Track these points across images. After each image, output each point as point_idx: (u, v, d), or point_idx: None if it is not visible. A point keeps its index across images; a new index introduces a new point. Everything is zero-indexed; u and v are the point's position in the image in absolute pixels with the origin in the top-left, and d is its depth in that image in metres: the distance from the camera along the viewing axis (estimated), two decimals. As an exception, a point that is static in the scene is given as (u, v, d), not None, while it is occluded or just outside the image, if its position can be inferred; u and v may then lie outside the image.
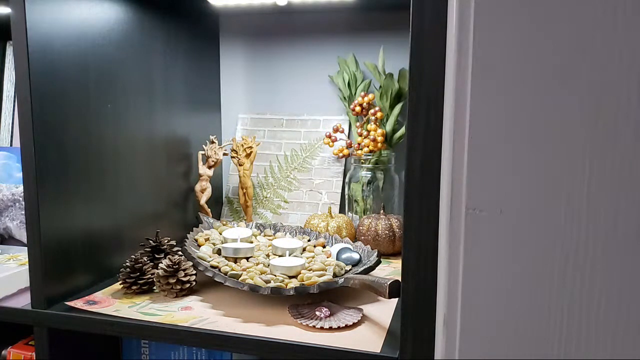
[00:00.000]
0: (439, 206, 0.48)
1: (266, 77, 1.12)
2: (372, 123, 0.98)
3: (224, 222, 0.95)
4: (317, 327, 0.62)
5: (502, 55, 0.42)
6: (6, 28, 0.68)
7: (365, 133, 0.98)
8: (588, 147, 0.41)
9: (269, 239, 0.87)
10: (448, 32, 0.45)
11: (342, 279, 0.69)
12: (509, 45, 0.42)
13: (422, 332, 0.52)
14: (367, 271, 0.74)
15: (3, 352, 0.79)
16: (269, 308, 0.68)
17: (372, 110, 0.98)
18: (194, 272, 0.74)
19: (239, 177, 1.03)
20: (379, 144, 0.96)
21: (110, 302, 0.69)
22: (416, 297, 0.51)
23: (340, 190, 1.05)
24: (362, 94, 0.99)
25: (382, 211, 0.94)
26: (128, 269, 0.73)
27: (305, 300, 0.70)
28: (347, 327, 0.62)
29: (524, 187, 0.43)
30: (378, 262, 0.76)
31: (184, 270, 0.72)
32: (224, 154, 1.01)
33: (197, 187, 0.99)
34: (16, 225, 0.91)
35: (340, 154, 1.02)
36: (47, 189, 0.66)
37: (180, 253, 0.77)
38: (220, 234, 0.87)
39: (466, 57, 0.43)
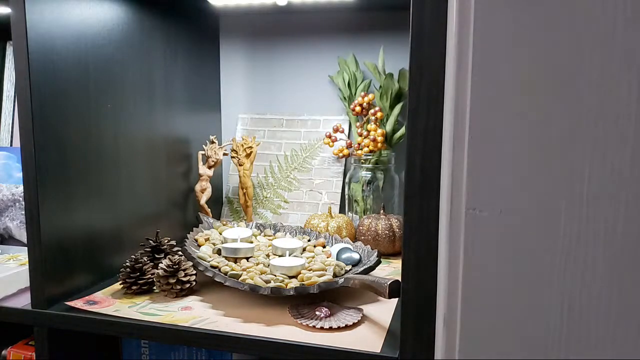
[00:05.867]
0: (439, 206, 0.48)
1: (266, 77, 1.12)
2: (372, 123, 0.98)
3: (224, 222, 0.95)
4: (317, 327, 0.62)
5: (502, 55, 0.42)
6: (6, 28, 0.68)
7: (365, 133, 0.98)
8: (588, 147, 0.41)
9: (269, 239, 0.87)
10: (448, 32, 0.45)
11: (342, 279, 0.69)
12: (509, 45, 0.42)
13: (422, 332, 0.52)
14: (367, 271, 0.74)
15: (3, 352, 0.79)
16: (269, 308, 0.68)
17: (372, 110, 0.98)
18: (194, 272, 0.74)
19: (239, 177, 1.03)
20: (379, 144, 0.96)
21: (110, 302, 0.69)
22: (416, 297, 0.51)
23: (340, 190, 1.05)
24: (362, 94, 0.99)
25: (382, 211, 0.94)
26: (128, 269, 0.73)
27: (305, 300, 0.70)
28: (347, 327, 0.62)
29: (524, 187, 0.43)
30: (378, 262, 0.76)
31: (184, 270, 0.72)
32: (224, 154, 1.01)
33: (197, 187, 0.99)
34: (16, 225, 0.91)
35: (340, 154, 1.02)
36: (47, 189, 0.66)
37: (180, 253, 0.77)
38: (220, 234, 0.87)
39: (466, 57, 0.43)
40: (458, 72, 0.43)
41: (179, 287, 0.71)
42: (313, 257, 0.79)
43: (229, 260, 0.77)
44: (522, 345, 0.44)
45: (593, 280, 0.42)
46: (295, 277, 0.72)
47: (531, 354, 0.44)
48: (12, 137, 1.03)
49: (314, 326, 0.62)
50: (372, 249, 0.81)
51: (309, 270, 0.73)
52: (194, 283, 0.73)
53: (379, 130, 0.97)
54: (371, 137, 0.96)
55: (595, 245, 0.42)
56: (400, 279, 0.53)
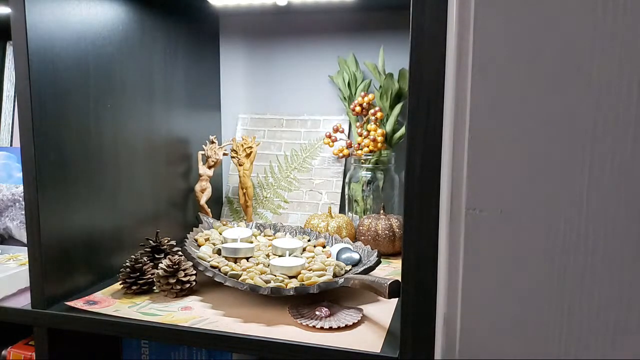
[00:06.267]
0: (439, 206, 0.48)
1: (266, 77, 1.12)
2: (372, 123, 0.98)
3: (224, 222, 0.95)
4: (317, 327, 0.62)
5: (502, 55, 0.42)
6: (6, 28, 0.68)
7: (365, 133, 0.98)
8: (588, 147, 0.41)
9: (269, 239, 0.87)
10: (448, 32, 0.45)
11: (342, 279, 0.69)
12: (509, 45, 0.42)
13: (422, 332, 0.52)
14: (367, 271, 0.74)
15: (3, 352, 0.79)
16: (269, 308, 0.68)
17: (372, 110, 0.98)
18: (194, 272, 0.74)
19: (239, 177, 1.03)
20: (379, 144, 0.96)
21: (110, 302, 0.69)
22: (416, 297, 0.51)
23: (340, 190, 1.05)
24: (362, 94, 0.99)
25: (382, 211, 0.94)
26: (128, 269, 0.73)
27: (305, 300, 0.70)
28: (347, 327, 0.62)
29: (524, 187, 0.43)
30: (378, 262, 0.76)
31: (184, 270, 0.72)
32: (224, 154, 1.01)
33: (197, 187, 0.99)
34: (16, 225, 0.91)
35: (340, 154, 1.02)
36: (47, 189, 0.66)
37: (180, 253, 0.77)
38: (220, 234, 0.87)
39: (466, 57, 0.43)
40: (458, 72, 0.43)
41: (179, 287, 0.71)
42: (313, 257, 0.79)
43: (229, 260, 0.77)
44: (522, 345, 0.44)
45: (593, 280, 0.42)
46: (295, 277, 0.72)
47: (531, 354, 0.44)
48: (12, 137, 1.03)
49: (314, 326, 0.62)
50: (372, 249, 0.81)
51: (309, 270, 0.73)
52: (194, 283, 0.73)
53: (379, 130, 0.97)
54: (371, 137, 0.96)
55: (595, 245, 0.42)
56: (400, 279, 0.53)
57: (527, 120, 0.42)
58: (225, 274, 0.72)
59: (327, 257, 0.79)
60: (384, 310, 0.68)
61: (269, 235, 0.90)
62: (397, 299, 0.69)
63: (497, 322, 0.45)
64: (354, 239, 0.94)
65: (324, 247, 0.85)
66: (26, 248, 0.67)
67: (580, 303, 0.43)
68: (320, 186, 1.06)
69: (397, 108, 0.99)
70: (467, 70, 0.43)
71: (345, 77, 1.03)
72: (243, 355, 0.79)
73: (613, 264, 0.42)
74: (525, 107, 0.42)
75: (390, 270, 0.84)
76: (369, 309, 0.68)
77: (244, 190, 1.03)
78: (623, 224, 0.41)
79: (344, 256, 0.79)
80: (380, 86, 1.00)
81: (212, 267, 0.74)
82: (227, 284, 0.69)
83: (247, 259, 0.78)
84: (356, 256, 0.79)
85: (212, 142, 1.01)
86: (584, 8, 0.40)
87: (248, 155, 1.02)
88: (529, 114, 0.42)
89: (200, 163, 1.00)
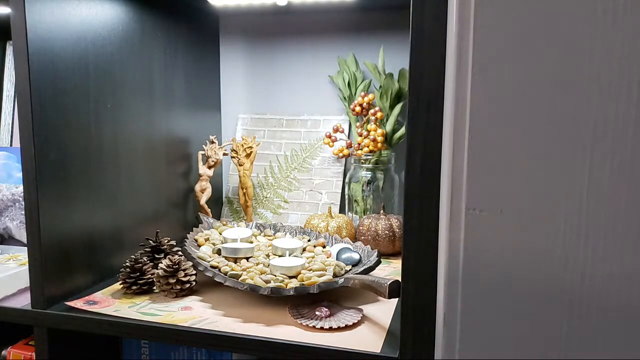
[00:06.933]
0: (439, 206, 0.48)
1: (266, 77, 1.12)
2: (372, 123, 0.98)
3: (224, 222, 0.95)
4: (317, 327, 0.62)
5: (502, 55, 0.42)
6: (6, 28, 0.68)
7: (365, 133, 0.98)
8: (588, 147, 0.41)
9: (269, 239, 0.87)
10: (448, 32, 0.45)
11: (342, 279, 0.69)
12: (509, 45, 0.42)
13: (422, 332, 0.52)
14: (367, 271, 0.74)
15: (3, 352, 0.79)
16: (269, 308, 0.68)
17: (372, 110, 0.98)
18: (194, 272, 0.74)
19: (239, 177, 1.03)
20: (379, 144, 0.96)
21: (110, 302, 0.69)
22: (416, 297, 0.51)
23: (340, 190, 1.05)
24: (362, 94, 0.99)
25: (382, 211, 0.94)
26: (128, 269, 0.73)
27: (305, 300, 0.70)
28: (347, 327, 0.62)
29: (524, 187, 0.43)
30: (378, 262, 0.76)
31: (184, 270, 0.72)
32: (224, 154, 1.01)
33: (197, 187, 0.99)
34: (16, 225, 0.91)
35: (340, 154, 1.02)
36: (47, 189, 0.66)
37: (180, 253, 0.77)
38: (220, 234, 0.87)
39: (466, 57, 0.43)
40: (458, 72, 0.43)
41: (179, 287, 0.71)
42: (313, 257, 0.79)
43: (229, 260, 0.77)
44: (522, 345, 0.44)
45: (593, 280, 0.42)
46: (295, 277, 0.72)
47: (531, 354, 0.44)
48: (12, 137, 1.03)
49: (314, 326, 0.62)
50: (372, 249, 0.81)
51: (309, 270, 0.73)
52: (194, 283, 0.73)
53: (379, 130, 0.97)
54: (371, 137, 0.96)
55: (595, 245, 0.42)
56: (400, 279, 0.53)
57: (527, 120, 0.42)
58: (225, 274, 0.72)
59: (327, 257, 0.79)
60: (384, 310, 0.68)
61: (269, 235, 0.90)
62: (397, 299, 0.69)
63: (497, 322, 0.45)
64: (354, 239, 0.94)
65: (324, 247, 0.85)
66: (26, 248, 0.67)
67: (580, 303, 0.43)
68: (320, 186, 1.06)
69: (397, 108, 0.99)
70: (467, 70, 0.43)
71: (345, 77, 1.03)
72: (243, 355, 0.79)
73: (613, 264, 0.42)
74: (525, 107, 0.42)
75: (390, 270, 0.84)
76: (369, 309, 0.68)
77: (244, 190, 1.03)
78: (623, 224, 0.41)
79: (344, 256, 0.79)
80: (380, 86, 1.00)
81: (212, 267, 0.74)
82: (227, 284, 0.69)
83: (247, 259, 0.78)
84: (356, 256, 0.79)
85: (212, 142, 1.01)
86: (584, 8, 0.40)
87: (248, 155, 1.02)
88: (529, 114, 0.42)
89: (200, 163, 1.00)
